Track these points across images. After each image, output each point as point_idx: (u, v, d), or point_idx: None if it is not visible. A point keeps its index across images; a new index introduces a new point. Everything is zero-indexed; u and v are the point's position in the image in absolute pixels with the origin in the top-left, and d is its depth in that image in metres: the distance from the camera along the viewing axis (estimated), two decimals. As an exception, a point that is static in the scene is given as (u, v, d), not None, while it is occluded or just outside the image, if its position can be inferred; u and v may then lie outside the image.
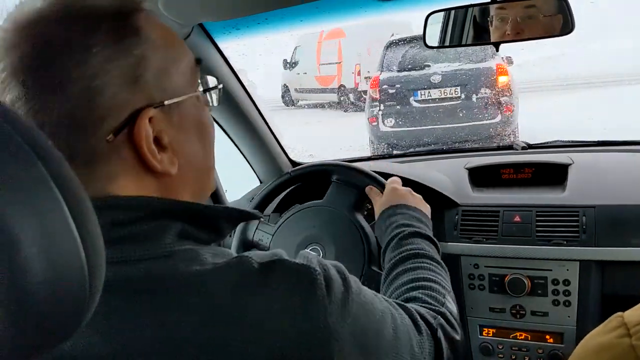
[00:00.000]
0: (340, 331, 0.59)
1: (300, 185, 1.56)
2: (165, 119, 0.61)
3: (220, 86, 0.74)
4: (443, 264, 1.01)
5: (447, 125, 5.53)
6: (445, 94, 5.61)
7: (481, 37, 1.40)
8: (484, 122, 5.44)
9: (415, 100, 5.72)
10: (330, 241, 1.36)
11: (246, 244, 1.46)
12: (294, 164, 1.97)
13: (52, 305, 0.35)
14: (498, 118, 5.39)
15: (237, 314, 0.54)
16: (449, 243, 1.52)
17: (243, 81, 1.66)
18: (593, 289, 1.38)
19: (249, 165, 1.93)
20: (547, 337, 1.43)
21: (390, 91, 5.80)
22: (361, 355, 0.62)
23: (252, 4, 1.19)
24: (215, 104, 0.73)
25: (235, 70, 1.60)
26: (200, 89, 0.70)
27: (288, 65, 13.39)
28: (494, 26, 1.35)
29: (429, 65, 5.83)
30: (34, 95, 0.54)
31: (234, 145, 1.83)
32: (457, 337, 0.83)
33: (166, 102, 0.61)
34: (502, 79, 5.50)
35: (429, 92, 5.65)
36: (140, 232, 0.57)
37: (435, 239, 1.07)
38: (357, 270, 1.30)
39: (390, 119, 5.79)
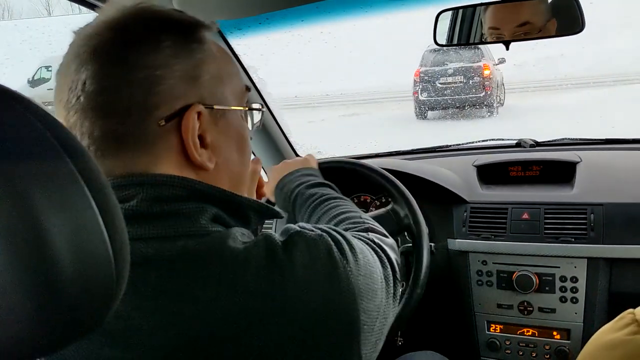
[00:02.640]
0: (359, 286, 0.63)
1: None
2: (211, 121, 0.66)
3: (264, 109, 0.81)
4: (346, 198, 1.04)
5: (455, 97, 9.71)
6: (455, 80, 9.78)
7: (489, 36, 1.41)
8: (474, 95, 9.69)
9: (439, 83, 9.78)
10: None
11: None
12: (302, 160, 1.98)
13: (81, 297, 0.36)
14: (482, 94, 9.62)
15: (268, 288, 0.57)
16: (458, 240, 1.53)
17: (253, 78, 1.67)
18: (600, 287, 1.39)
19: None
20: (554, 333, 1.44)
21: (425, 77, 9.83)
22: (370, 293, 0.66)
23: (266, 2, 1.20)
24: (256, 124, 0.79)
25: (247, 67, 1.62)
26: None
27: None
28: (495, 37, 1.36)
29: (446, 64, 9.90)
30: (105, 75, 0.60)
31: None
32: (390, 240, 0.86)
33: (215, 107, 0.66)
34: (486, 72, 9.60)
35: (445, 78, 9.78)
36: (179, 210, 0.61)
37: (327, 182, 1.09)
38: None
39: (424, 92, 9.87)
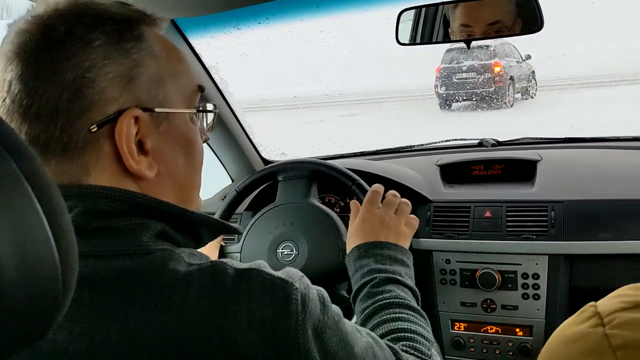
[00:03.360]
0: (311, 353, 0.57)
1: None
2: (152, 125, 0.62)
3: (217, 111, 0.75)
4: (423, 313, 0.91)
5: (469, 90, 11.01)
6: (468, 75, 10.96)
7: (450, 35, 1.42)
8: (486, 89, 10.82)
9: (455, 78, 11.01)
10: (298, 234, 1.36)
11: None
12: (265, 162, 1.96)
13: (26, 304, 0.34)
14: (492, 88, 10.77)
15: (205, 318, 0.53)
16: (421, 239, 1.53)
17: (215, 78, 1.65)
18: (561, 283, 1.41)
19: (220, 163, 1.92)
20: (517, 330, 1.46)
21: (444, 73, 11.08)
22: None
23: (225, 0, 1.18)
24: (208, 128, 0.75)
25: (207, 67, 1.59)
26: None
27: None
28: (466, 34, 1.38)
29: (461, 61, 11.01)
30: (30, 77, 0.56)
31: (205, 143, 1.81)
32: None
33: (156, 110, 0.62)
34: (496, 69, 10.74)
35: (461, 74, 10.98)
36: (119, 226, 0.57)
37: (412, 286, 0.96)
38: (333, 257, 1.31)
39: (443, 86, 11.16)
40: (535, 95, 11.60)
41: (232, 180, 1.96)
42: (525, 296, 1.43)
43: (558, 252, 1.41)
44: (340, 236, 1.33)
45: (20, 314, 0.34)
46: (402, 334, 0.81)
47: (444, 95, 11.28)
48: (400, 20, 1.42)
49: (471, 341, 1.50)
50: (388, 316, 0.85)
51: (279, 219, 1.40)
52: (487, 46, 10.61)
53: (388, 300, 0.88)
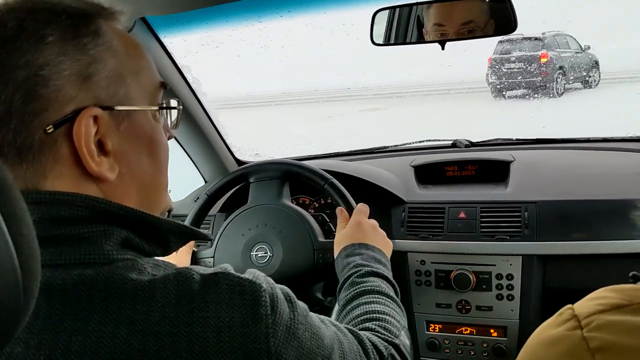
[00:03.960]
0: (283, 354, 0.56)
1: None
2: (113, 124, 0.60)
3: (180, 107, 0.73)
4: (400, 303, 0.98)
5: (517, 80, 11.58)
6: (517, 66, 11.50)
7: (424, 36, 1.42)
8: (532, 79, 11.46)
9: (504, 68, 11.61)
10: (272, 235, 1.35)
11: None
12: (239, 162, 1.94)
13: None
14: (539, 78, 11.42)
15: (171, 327, 0.52)
16: (396, 240, 1.53)
17: (187, 77, 1.62)
18: (535, 283, 1.42)
19: (193, 164, 1.89)
20: (492, 331, 1.46)
21: (494, 63, 11.66)
22: None
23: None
24: (172, 125, 0.72)
25: (179, 65, 1.56)
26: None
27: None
28: (439, 33, 1.38)
29: (510, 52, 11.60)
30: None
31: (177, 144, 1.79)
32: None
33: (116, 108, 0.59)
34: (543, 60, 11.37)
35: (510, 64, 11.58)
36: (80, 234, 0.54)
37: (392, 280, 1.04)
38: (308, 257, 1.31)
39: (494, 75, 11.79)
40: (597, 85, 12.02)
41: (205, 182, 1.93)
42: (499, 297, 1.44)
43: (532, 253, 1.41)
44: (315, 236, 1.32)
45: None
46: (375, 315, 0.87)
47: (495, 84, 12.05)
48: (375, 22, 1.41)
49: (446, 342, 1.50)
50: (366, 300, 0.92)
51: (251, 221, 1.38)
52: (537, 38, 11.47)
53: (368, 288, 0.96)
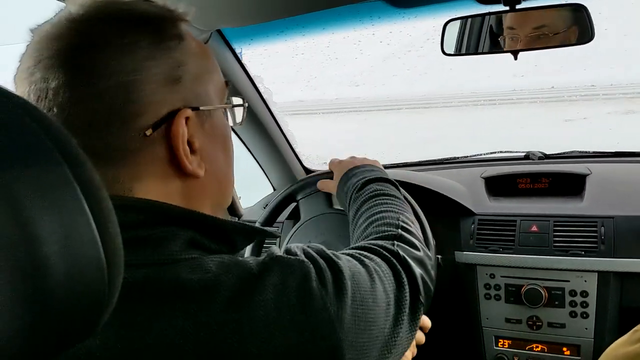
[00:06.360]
0: (342, 317, 0.59)
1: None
2: (198, 124, 0.62)
3: (246, 104, 0.76)
4: (400, 196, 1.02)
5: None
6: None
7: (497, 45, 1.40)
8: None
9: None
10: (337, 241, 1.35)
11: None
12: (307, 171, 1.97)
13: (73, 304, 0.35)
14: None
15: (237, 319, 0.53)
16: (465, 252, 1.51)
17: (259, 88, 1.66)
18: (611, 301, 1.36)
19: (262, 172, 1.93)
20: (564, 349, 1.41)
21: None
22: (362, 324, 0.62)
23: (272, 10, 1.19)
24: (239, 121, 0.75)
25: (252, 77, 1.61)
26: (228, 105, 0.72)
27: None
28: (510, 37, 1.35)
29: None
30: (76, 85, 0.55)
31: (248, 152, 1.83)
32: (419, 253, 0.82)
33: (201, 108, 0.62)
34: None
35: None
36: (146, 236, 0.56)
37: (390, 178, 1.08)
38: None
39: None
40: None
41: (274, 189, 1.97)
42: (573, 314, 1.39)
43: (608, 270, 1.36)
44: None
45: (67, 314, 0.35)
46: (376, 216, 0.91)
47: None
48: (446, 31, 1.41)
49: (515, 359, 1.47)
50: (367, 206, 0.97)
51: (313, 232, 1.39)
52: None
53: (368, 195, 1.00)
